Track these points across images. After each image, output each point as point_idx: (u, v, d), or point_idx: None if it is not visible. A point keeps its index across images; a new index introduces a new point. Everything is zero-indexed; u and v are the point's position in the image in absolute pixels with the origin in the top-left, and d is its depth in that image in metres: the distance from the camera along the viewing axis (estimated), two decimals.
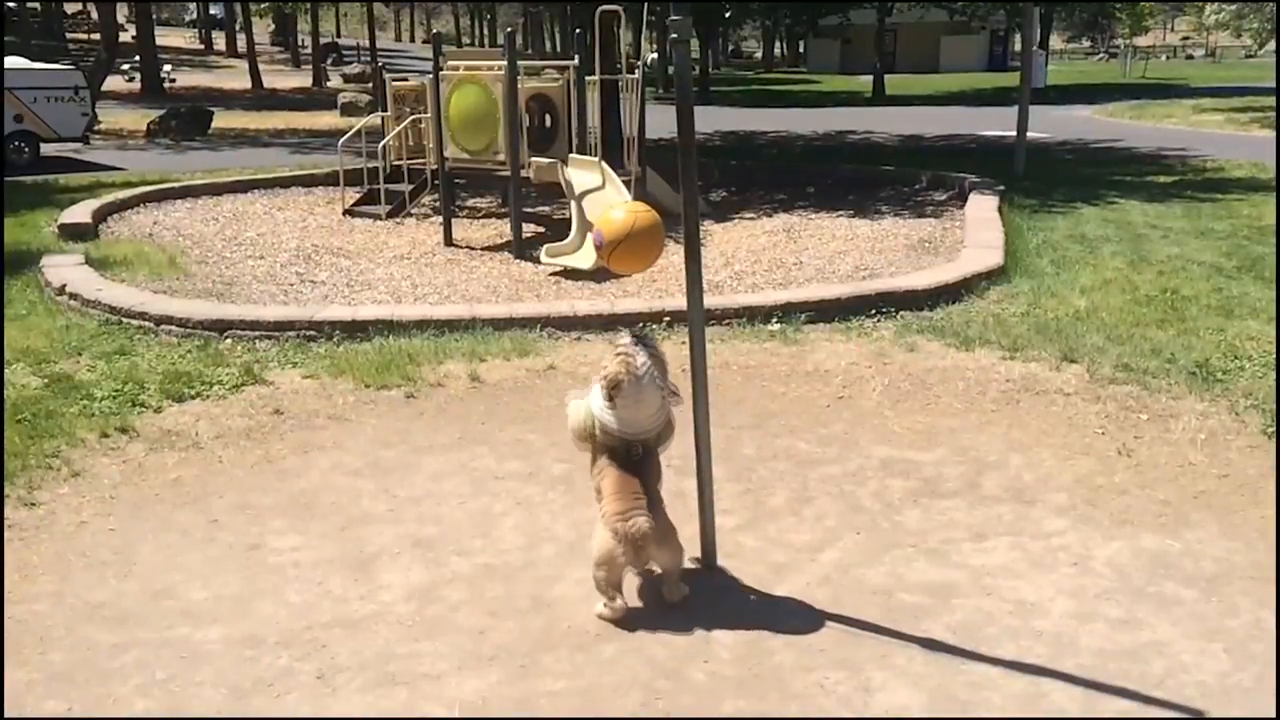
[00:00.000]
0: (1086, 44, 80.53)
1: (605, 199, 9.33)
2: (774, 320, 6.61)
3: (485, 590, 3.62)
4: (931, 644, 3.24)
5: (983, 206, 10.41)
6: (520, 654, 3.24)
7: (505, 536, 4.02)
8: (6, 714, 2.95)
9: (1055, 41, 67.78)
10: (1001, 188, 11.50)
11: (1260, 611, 3.39)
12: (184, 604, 3.55)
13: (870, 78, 37.88)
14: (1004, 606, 3.46)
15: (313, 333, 6.33)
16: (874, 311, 6.79)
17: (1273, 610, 3.39)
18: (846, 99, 35.08)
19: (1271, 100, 28.10)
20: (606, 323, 6.54)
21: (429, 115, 10.27)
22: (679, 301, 7.03)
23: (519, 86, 9.23)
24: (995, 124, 21.77)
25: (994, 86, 38.64)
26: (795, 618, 3.40)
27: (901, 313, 6.82)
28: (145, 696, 3.04)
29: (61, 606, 3.52)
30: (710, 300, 7.10)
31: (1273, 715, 2.87)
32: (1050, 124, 21.88)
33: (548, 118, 10.20)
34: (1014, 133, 14.29)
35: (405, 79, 11.69)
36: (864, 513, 4.18)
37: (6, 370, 5.75)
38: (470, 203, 12.03)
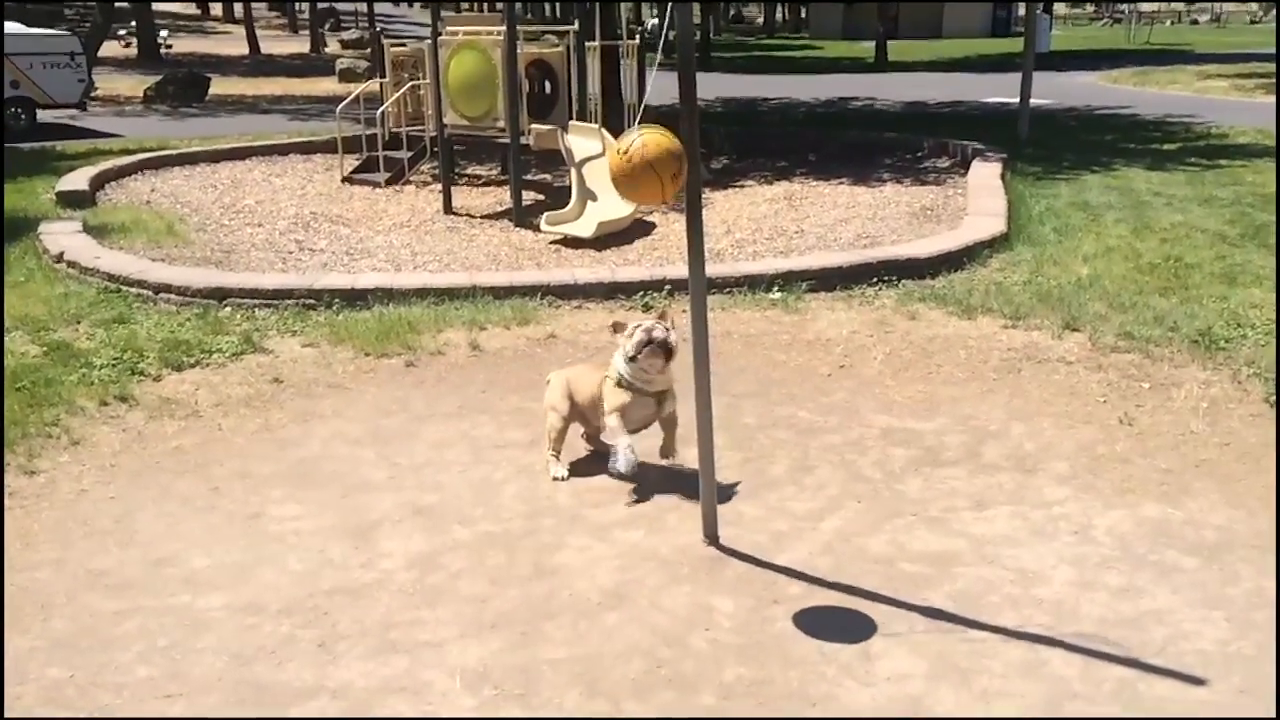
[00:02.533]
0: (1091, 9, 79.82)
1: (605, 166, 9.25)
2: (775, 288, 6.58)
3: (486, 558, 3.62)
4: (933, 612, 3.24)
5: (985, 173, 10.34)
6: (522, 621, 3.24)
7: (506, 504, 4.02)
8: (7, 688, 2.96)
9: (1059, 7, 67.17)
10: (1004, 155, 11.42)
11: (1261, 580, 3.39)
12: (185, 572, 3.55)
13: (873, 43, 37.54)
14: (1005, 575, 3.46)
15: (312, 301, 6.31)
16: (876, 280, 6.76)
17: (1273, 579, 3.39)
18: (849, 65, 34.78)
19: (1274, 66, 27.90)
20: (608, 291, 6.51)
21: (428, 81, 10.17)
22: (680, 270, 7.00)
23: (518, 52, 9.13)
24: (998, 90, 21.61)
25: (997, 52, 38.34)
26: (796, 586, 3.40)
27: (903, 281, 6.78)
28: (146, 664, 3.05)
29: (63, 574, 3.52)
30: (711, 268, 7.05)
31: (1273, 687, 2.87)
32: (1054, 90, 21.71)
33: (547, 84, 10.10)
34: (1017, 99, 14.18)
35: (403, 44, 11.57)
36: (865, 481, 4.17)
37: (5, 338, 5.73)
38: (470, 170, 11.95)
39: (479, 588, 3.44)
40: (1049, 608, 3.26)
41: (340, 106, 11.92)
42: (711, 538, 3.69)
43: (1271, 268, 7.02)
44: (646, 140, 3.09)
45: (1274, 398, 4.75)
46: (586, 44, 9.96)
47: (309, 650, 3.12)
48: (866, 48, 39.57)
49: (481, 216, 9.57)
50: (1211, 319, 5.82)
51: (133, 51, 33.43)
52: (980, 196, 9.22)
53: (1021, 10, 34.92)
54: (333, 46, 39.10)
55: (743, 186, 10.92)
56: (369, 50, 29.92)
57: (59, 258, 7.22)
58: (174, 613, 3.31)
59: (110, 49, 30.95)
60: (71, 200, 9.28)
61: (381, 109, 11.03)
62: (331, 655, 3.10)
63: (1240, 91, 21.98)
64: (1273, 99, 20.66)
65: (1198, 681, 2.89)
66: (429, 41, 9.88)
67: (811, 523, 3.84)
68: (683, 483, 4.01)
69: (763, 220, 9.10)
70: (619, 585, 3.44)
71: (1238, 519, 3.78)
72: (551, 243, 8.37)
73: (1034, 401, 4.91)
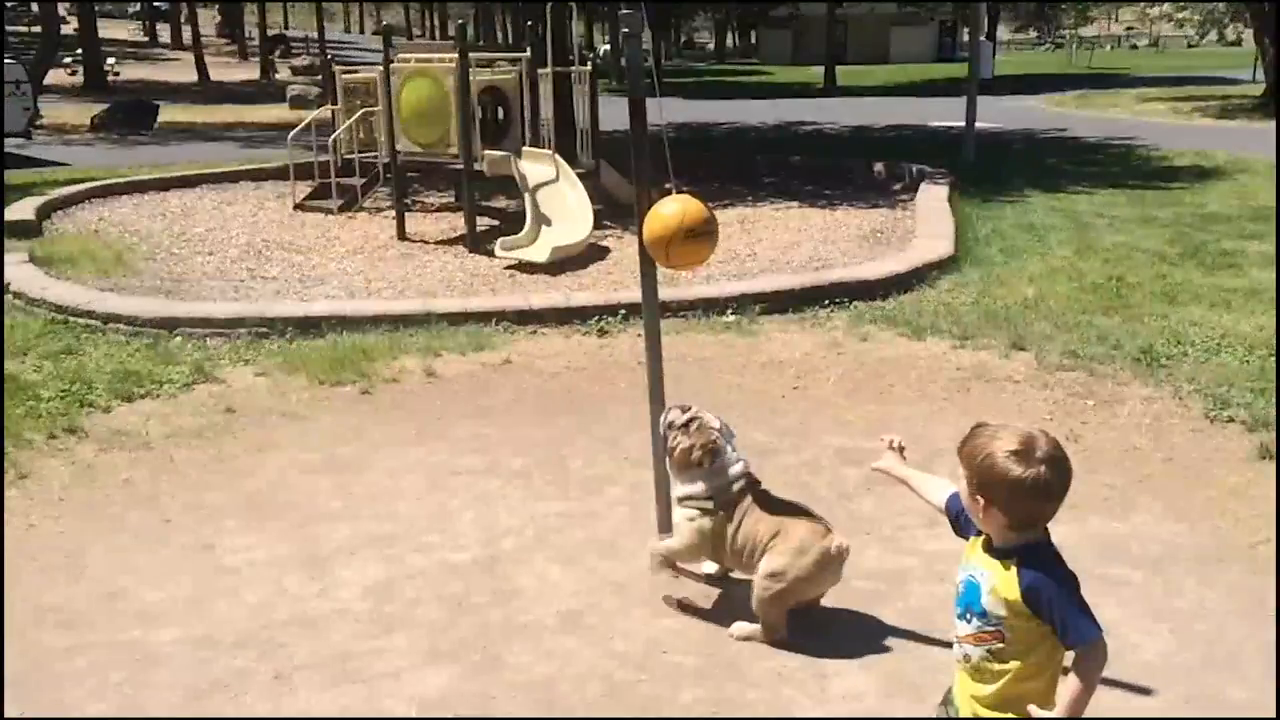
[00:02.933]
0: (1034, 34, 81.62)
1: (559, 191, 9.31)
2: (729, 311, 6.65)
3: (444, 586, 3.61)
4: (885, 629, 3.29)
5: (933, 196, 10.52)
6: (480, 648, 3.24)
7: (463, 531, 4.02)
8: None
9: (1003, 32, 68.58)
10: (951, 178, 11.63)
11: (1204, 592, 3.48)
12: (137, 606, 3.51)
13: (822, 68, 38.10)
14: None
15: (265, 329, 6.27)
16: (827, 302, 6.85)
17: (1216, 590, 3.48)
18: (799, 90, 35.28)
19: (1210, 89, 28.69)
20: (562, 315, 6.54)
21: (380, 108, 10.17)
22: (634, 294, 7.04)
23: (471, 79, 9.17)
24: (944, 114, 22.00)
25: (943, 77, 39.03)
26: (747, 608, 3.44)
27: (854, 303, 6.88)
28: (100, 700, 3.01)
29: (12, 611, 3.46)
30: (665, 292, 7.10)
31: (1216, 696, 2.95)
32: (999, 114, 22.16)
33: (500, 110, 10.15)
34: (963, 123, 14.46)
35: (355, 71, 11.56)
36: (820, 502, 4.19)
37: None
38: (423, 196, 11.95)
39: (436, 615, 3.44)
40: None
41: (292, 134, 11.87)
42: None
43: (1209, 286, 7.22)
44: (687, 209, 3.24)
45: (1214, 412, 4.88)
46: (539, 71, 10.04)
47: (265, 682, 3.10)
48: (816, 73, 40.18)
49: (435, 242, 9.56)
50: (1153, 337, 5.97)
51: (79, 79, 33.02)
52: (928, 219, 9.38)
53: (967, 36, 35.67)
54: (283, 73, 38.92)
55: None
56: (320, 76, 29.79)
57: (4, 288, 7.10)
58: (127, 648, 3.27)
59: (56, 76, 30.54)
60: (18, 230, 9.13)
61: (334, 136, 11.00)
62: (288, 687, 3.08)
63: (1178, 115, 22.59)
64: (1209, 122, 21.27)
65: (1144, 691, 2.96)
66: (381, 68, 9.89)
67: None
68: (638, 508, 4.03)
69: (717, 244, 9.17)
70: (576, 610, 3.45)
71: (1181, 533, 3.88)
72: (507, 268, 8.39)
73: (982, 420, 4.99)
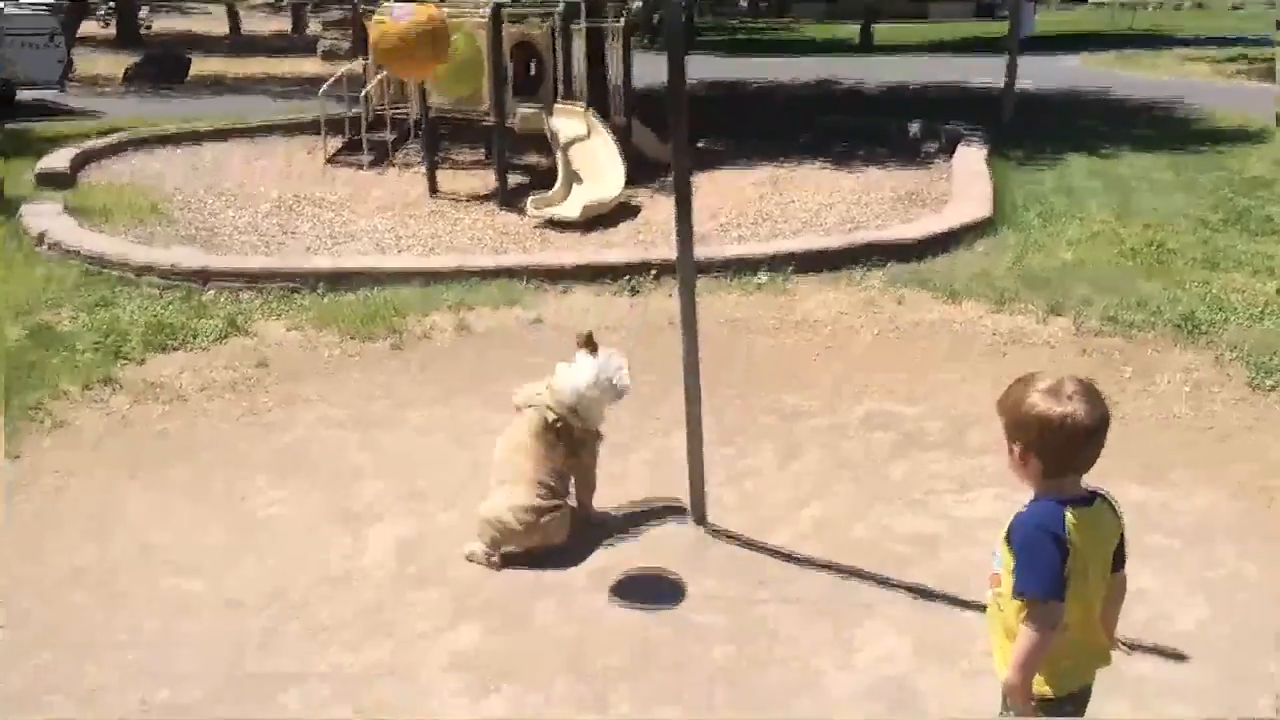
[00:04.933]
0: None
1: (591, 148, 9.24)
2: (762, 272, 6.59)
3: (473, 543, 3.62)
4: (917, 592, 3.27)
5: (970, 158, 10.34)
6: (509, 604, 3.26)
7: (493, 489, 4.01)
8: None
9: None
10: (989, 139, 11.44)
11: (1241, 563, 3.43)
12: (171, 560, 3.54)
13: (858, 25, 37.49)
14: (988, 556, 3.46)
15: (296, 284, 6.28)
16: (862, 262, 6.77)
17: (1256, 563, 3.43)
18: (834, 47, 34.71)
19: (1260, 51, 28.00)
20: (593, 274, 6.50)
21: None
22: (664, 252, 7.01)
23: (504, 33, 9.08)
24: (983, 73, 21.58)
25: (982, 35, 38.32)
26: (782, 569, 3.43)
27: (890, 264, 6.79)
28: (134, 649, 3.05)
29: (46, 563, 3.51)
30: (698, 252, 7.07)
31: (1250, 667, 2.91)
32: (1038, 73, 21.70)
33: (532, 65, 10.05)
34: (1002, 82, 14.18)
35: None
36: (849, 466, 4.20)
37: None
38: (455, 152, 11.89)
39: (467, 572, 3.45)
40: None
41: (323, 88, 11.81)
42: (700, 521, 3.71)
43: (1252, 253, 7.07)
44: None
45: (1257, 380, 4.79)
46: (572, 25, 9.92)
47: (296, 636, 3.13)
48: (852, 30, 39.55)
49: (467, 199, 9.52)
50: (1194, 303, 5.86)
51: (112, 31, 33.06)
52: (965, 181, 9.23)
53: None
54: (315, 26, 38.79)
55: (727, 170, 10.89)
56: (352, 30, 29.67)
57: (40, 239, 7.16)
58: (160, 601, 3.30)
59: (90, 28, 30.61)
60: (52, 181, 9.19)
61: (365, 90, 10.95)
62: (319, 642, 3.11)
63: (1222, 76, 22.06)
64: (1255, 84, 20.75)
65: (1178, 659, 2.93)
66: None
67: (797, 507, 3.87)
68: (670, 469, 4.02)
69: (748, 204, 9.07)
70: (607, 568, 3.46)
71: (1219, 502, 3.83)
72: (538, 225, 8.34)
73: None
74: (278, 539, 3.67)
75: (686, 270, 3.45)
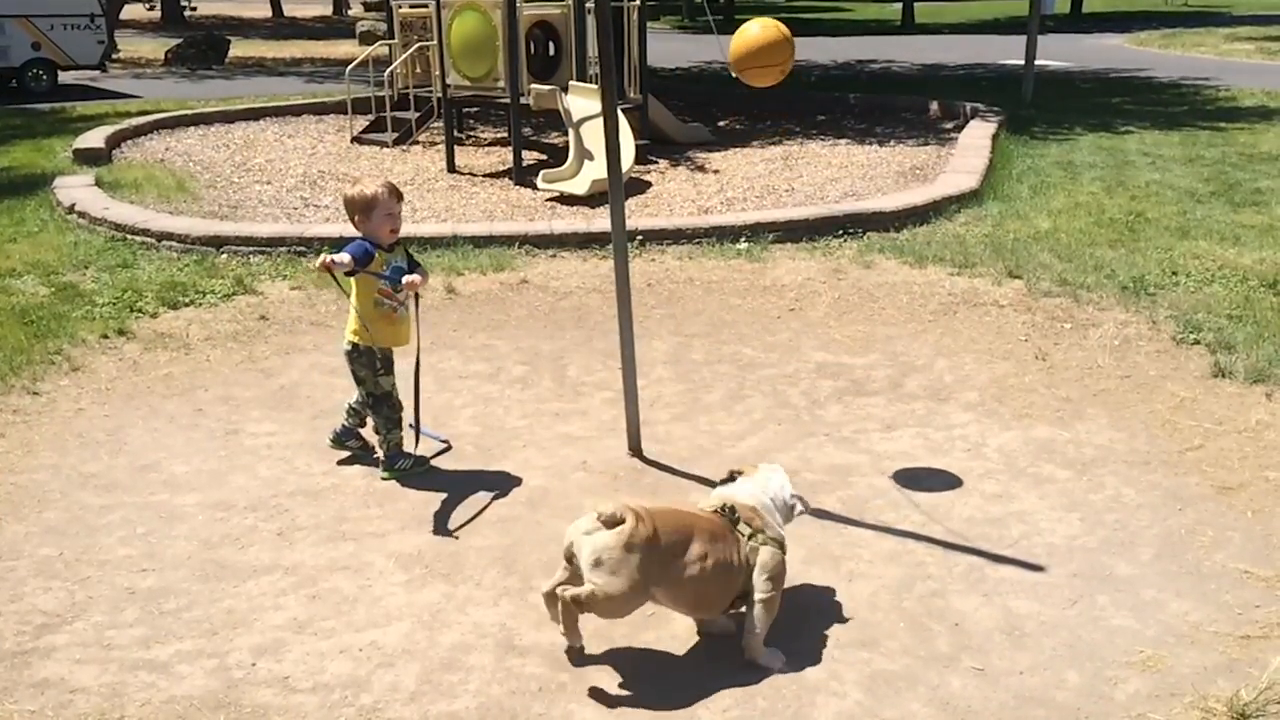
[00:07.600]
0: None
1: (602, 126, 9.55)
2: (743, 239, 6.92)
3: (435, 468, 4.03)
4: (821, 513, 3.62)
5: (977, 134, 10.56)
6: (456, 520, 3.66)
7: (460, 426, 4.43)
8: (3, 562, 3.42)
9: None
10: (1004, 116, 11.62)
11: (1122, 488, 3.75)
12: (166, 476, 4.00)
13: (900, 4, 37.34)
14: (891, 485, 3.83)
15: (303, 248, 6.73)
16: (840, 232, 7.08)
17: (1135, 488, 3.75)
18: (874, 27, 34.71)
19: None
20: (583, 240, 6.88)
21: (433, 42, 10.51)
22: (652, 221, 7.40)
23: (521, 13, 9.42)
24: (1021, 53, 21.57)
25: (1023, 15, 37.96)
26: (702, 492, 3.78)
27: (868, 233, 7.10)
28: (126, 546, 3.50)
29: (58, 476, 3.98)
30: (680, 220, 7.46)
31: (1103, 572, 3.23)
32: (1077, 52, 21.71)
33: (550, 44, 10.39)
34: (1045, 61, 14.28)
35: (414, 6, 11.89)
36: (789, 408, 4.55)
37: (17, 280, 6.21)
38: (478, 131, 12.32)
39: (424, 493, 3.87)
40: (926, 509, 3.64)
41: (350, 68, 12.29)
42: (635, 451, 4.09)
43: (1229, 222, 7.28)
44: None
45: (1182, 335, 5.06)
46: (588, 4, 10.23)
47: (269, 537, 3.56)
48: (895, 9, 39.36)
49: (483, 175, 9.93)
50: (1149, 268, 6.12)
51: (157, 14, 33.94)
52: (965, 155, 9.47)
53: None
54: (356, 8, 39.43)
55: (744, 147, 11.19)
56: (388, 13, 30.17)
57: (70, 209, 7.69)
58: (153, 508, 3.76)
59: (135, 12, 31.47)
60: (88, 158, 9.75)
61: (389, 70, 11.39)
62: (289, 542, 3.54)
63: (1265, 55, 21.84)
64: None
65: (1037, 568, 3.26)
66: (433, 2, 10.21)
67: (732, 441, 4.23)
68: (614, 405, 4.40)
69: (756, 179, 9.39)
70: (547, 490, 3.85)
71: (1118, 440, 4.13)
72: (548, 200, 8.73)
73: (961, 340, 5.25)
74: (263, 461, 4.11)
75: (618, 219, 3.80)
